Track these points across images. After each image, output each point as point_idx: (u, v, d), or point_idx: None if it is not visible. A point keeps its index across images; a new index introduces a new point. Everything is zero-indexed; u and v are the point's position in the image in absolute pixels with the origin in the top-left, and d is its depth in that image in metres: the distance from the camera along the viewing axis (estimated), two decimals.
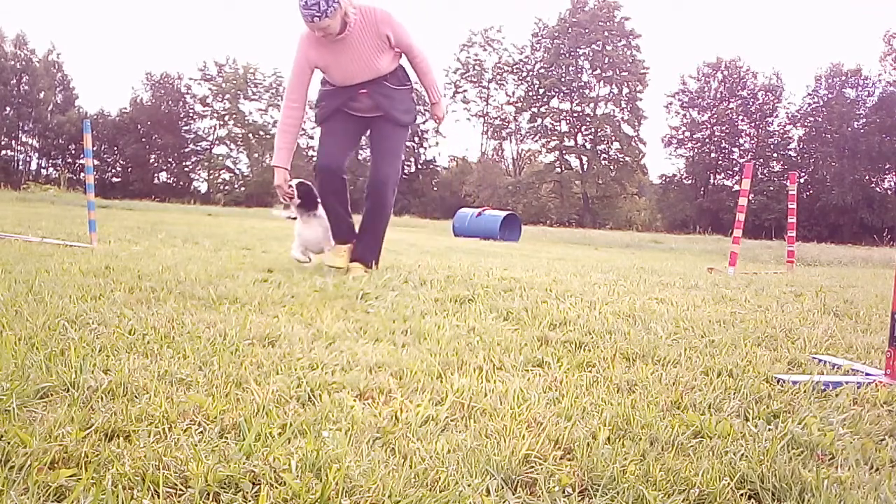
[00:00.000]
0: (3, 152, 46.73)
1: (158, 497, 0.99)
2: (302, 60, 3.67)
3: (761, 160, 42.42)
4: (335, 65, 3.67)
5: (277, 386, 1.50)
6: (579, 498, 1.09)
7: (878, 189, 41.48)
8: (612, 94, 47.17)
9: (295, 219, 4.00)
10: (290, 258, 4.09)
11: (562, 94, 47.79)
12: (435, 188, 50.92)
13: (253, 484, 1.04)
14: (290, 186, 3.81)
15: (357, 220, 3.99)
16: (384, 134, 3.87)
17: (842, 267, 10.39)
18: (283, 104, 3.82)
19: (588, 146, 47.60)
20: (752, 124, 45.14)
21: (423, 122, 49.80)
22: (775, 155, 43.96)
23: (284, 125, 3.80)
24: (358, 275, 3.61)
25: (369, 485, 1.04)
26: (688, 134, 46.46)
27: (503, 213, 16.87)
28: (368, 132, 3.95)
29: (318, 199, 3.90)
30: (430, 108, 4.06)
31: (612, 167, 47.26)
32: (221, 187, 49.38)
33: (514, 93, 50.34)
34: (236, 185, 49.26)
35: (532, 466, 1.17)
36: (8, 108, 45.71)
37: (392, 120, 3.83)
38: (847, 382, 1.83)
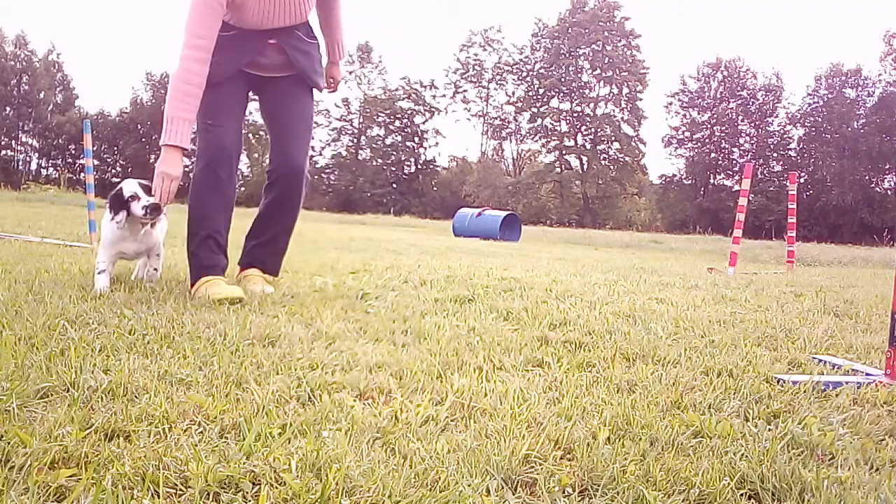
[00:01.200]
0: (3, 152, 46.76)
1: (158, 497, 0.99)
2: None
3: (761, 160, 42.43)
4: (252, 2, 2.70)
5: (277, 386, 1.50)
6: (579, 498, 1.09)
7: (878, 189, 41.49)
8: (612, 94, 47.19)
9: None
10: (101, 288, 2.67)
11: (562, 94, 47.80)
12: (435, 188, 50.94)
13: (253, 484, 1.04)
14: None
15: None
16: (292, 101, 2.92)
17: (842, 267, 10.39)
18: (183, 53, 2.62)
19: (588, 146, 47.62)
20: (752, 124, 45.16)
21: (424, 122, 49.81)
22: (775, 155, 43.97)
23: (187, 85, 2.61)
24: (260, 289, 2.78)
25: (369, 485, 1.04)
26: (688, 134, 46.47)
27: (503, 213, 16.88)
28: (259, 96, 3.00)
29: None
30: (328, 67, 3.17)
31: (612, 167, 47.28)
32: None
33: (513, 93, 50.40)
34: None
35: (532, 466, 1.17)
36: (8, 108, 45.75)
37: (309, 82, 2.94)
38: (847, 382, 1.83)
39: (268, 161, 3.02)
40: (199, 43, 2.61)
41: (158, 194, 2.67)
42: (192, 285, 2.73)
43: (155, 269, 2.93)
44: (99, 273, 2.73)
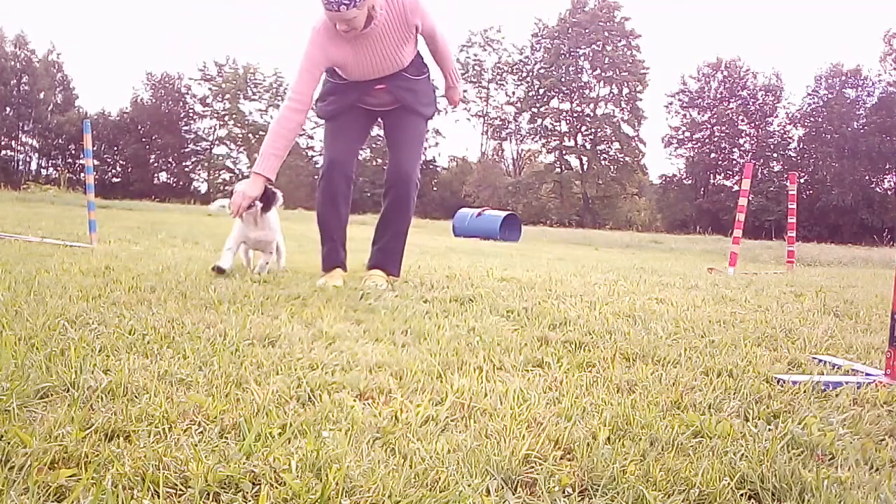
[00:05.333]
0: (3, 152, 46.74)
1: (158, 497, 0.99)
2: (316, 56, 3.17)
3: (761, 160, 42.42)
4: (354, 62, 3.26)
5: (277, 386, 1.50)
6: (579, 498, 1.09)
7: (878, 189, 41.47)
8: (612, 95, 47.17)
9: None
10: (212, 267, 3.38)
11: (562, 95, 47.79)
12: (435, 188, 50.92)
13: (253, 484, 1.04)
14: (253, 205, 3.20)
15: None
16: (404, 125, 3.50)
17: (842, 267, 10.39)
18: (284, 104, 3.24)
19: (588, 146, 47.61)
20: (752, 124, 45.14)
21: None
22: (775, 155, 43.96)
23: (281, 128, 3.19)
24: (379, 283, 3.32)
25: (369, 485, 1.04)
26: (688, 134, 46.47)
27: (503, 213, 16.87)
28: (381, 122, 3.60)
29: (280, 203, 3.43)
30: (447, 91, 3.77)
31: (612, 167, 47.28)
32: (221, 187, 49.34)
33: (513, 93, 50.34)
34: None
35: (532, 466, 1.17)
36: (8, 108, 45.72)
37: (414, 113, 3.50)
38: (847, 382, 1.83)
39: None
40: (298, 97, 3.21)
41: (234, 209, 3.18)
42: (323, 272, 3.47)
43: (266, 262, 3.57)
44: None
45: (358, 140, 3.57)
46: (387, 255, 3.54)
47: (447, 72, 3.65)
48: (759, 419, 1.50)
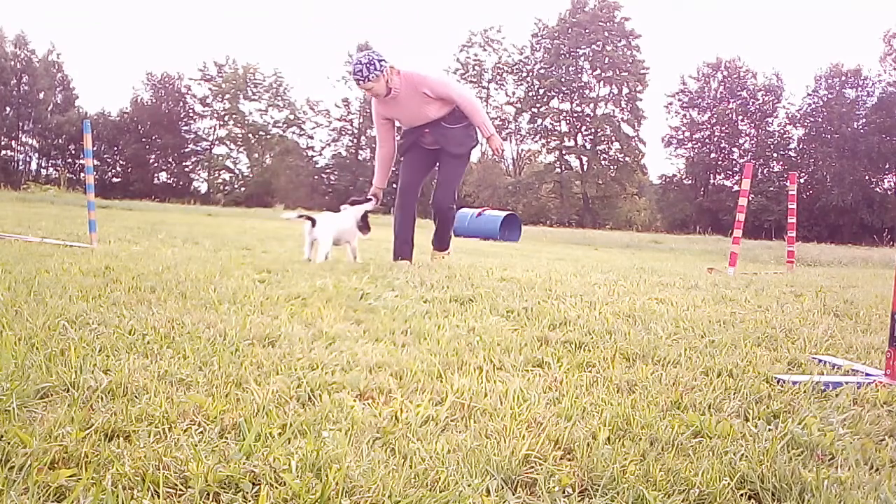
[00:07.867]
0: (3, 152, 46.70)
1: (158, 497, 0.99)
2: (375, 113, 4.90)
3: (761, 160, 42.39)
4: (397, 116, 4.83)
5: (277, 386, 1.50)
6: (579, 498, 1.09)
7: (878, 189, 41.44)
8: (612, 95, 47.13)
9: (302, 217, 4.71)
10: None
11: (562, 95, 47.75)
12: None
13: (253, 484, 1.04)
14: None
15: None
16: (443, 164, 4.91)
17: (842, 267, 10.39)
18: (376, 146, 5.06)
19: (588, 146, 47.58)
20: (752, 124, 45.11)
21: None
22: (775, 155, 43.93)
23: (376, 158, 5.09)
24: (445, 260, 5.06)
25: (369, 485, 1.04)
26: (688, 134, 46.43)
27: (503, 213, 16.87)
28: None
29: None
30: (487, 142, 4.87)
31: (612, 167, 47.24)
32: (221, 187, 49.37)
33: (513, 93, 50.32)
34: (236, 185, 49.24)
35: (532, 466, 1.17)
36: (8, 108, 45.70)
37: (448, 154, 4.83)
38: (847, 382, 1.83)
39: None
40: (378, 140, 4.98)
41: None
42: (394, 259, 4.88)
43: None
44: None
45: (421, 171, 5.00)
46: (442, 243, 5.18)
47: (478, 126, 4.82)
48: (759, 419, 1.50)
